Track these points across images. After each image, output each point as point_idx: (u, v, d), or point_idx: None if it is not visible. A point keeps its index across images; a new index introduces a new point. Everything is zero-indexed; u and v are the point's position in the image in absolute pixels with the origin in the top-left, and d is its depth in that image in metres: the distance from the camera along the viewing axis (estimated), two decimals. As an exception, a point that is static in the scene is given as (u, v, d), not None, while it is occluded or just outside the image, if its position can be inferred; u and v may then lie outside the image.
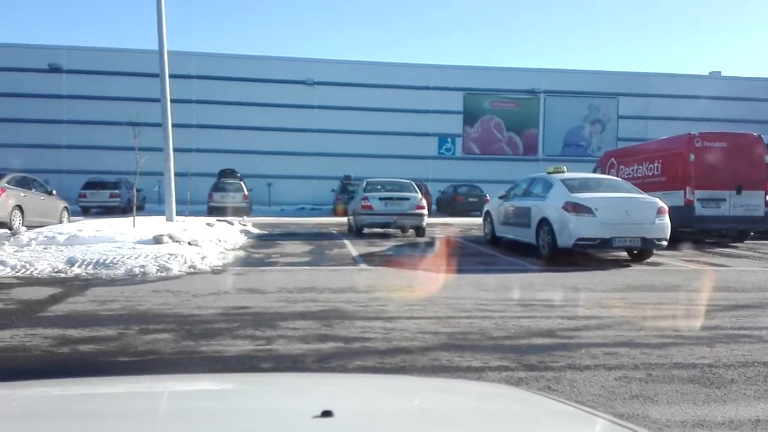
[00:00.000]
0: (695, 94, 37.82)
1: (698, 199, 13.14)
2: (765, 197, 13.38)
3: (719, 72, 40.91)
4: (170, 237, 10.33)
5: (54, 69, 33.93)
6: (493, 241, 12.96)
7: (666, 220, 9.98)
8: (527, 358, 4.23)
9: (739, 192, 13.18)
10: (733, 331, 5.17)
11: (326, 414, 1.12)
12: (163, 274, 8.09)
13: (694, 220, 13.20)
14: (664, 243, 10.00)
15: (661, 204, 10.07)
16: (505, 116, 38.36)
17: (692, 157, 13.26)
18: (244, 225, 16.55)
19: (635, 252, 10.42)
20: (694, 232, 14.17)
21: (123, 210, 23.94)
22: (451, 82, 37.35)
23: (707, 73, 41.02)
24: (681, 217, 12.58)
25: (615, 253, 11.03)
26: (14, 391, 1.50)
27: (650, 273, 9.10)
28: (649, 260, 10.34)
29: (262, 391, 1.62)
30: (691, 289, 7.65)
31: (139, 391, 1.61)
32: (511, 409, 1.49)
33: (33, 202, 14.91)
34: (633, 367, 4.04)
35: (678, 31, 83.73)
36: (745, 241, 14.26)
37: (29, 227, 12.51)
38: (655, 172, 14.60)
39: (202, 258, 9.27)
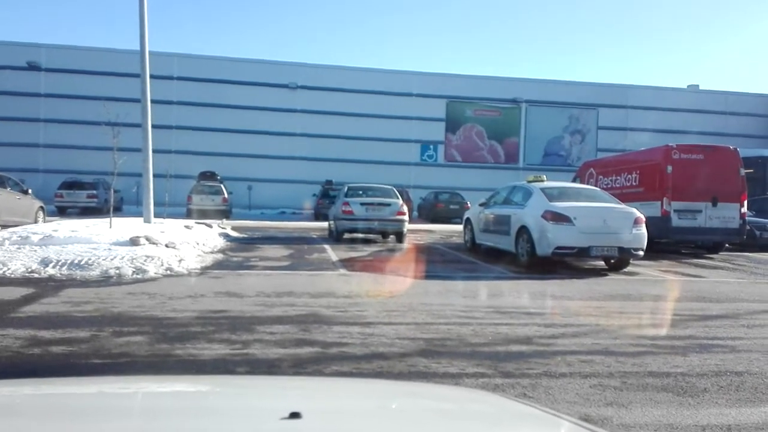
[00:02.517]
0: (674, 107, 38.46)
1: (675, 210, 13.32)
2: (740, 209, 13.61)
3: (697, 85, 41.64)
4: (147, 239, 10.20)
5: (33, 67, 33.46)
6: (473, 248, 13.01)
7: (643, 230, 10.10)
8: (504, 365, 4.24)
9: (714, 204, 13.39)
10: (706, 340, 5.23)
11: (294, 416, 1.12)
12: (139, 276, 7.99)
13: (670, 230, 13.38)
14: (641, 253, 10.12)
15: (639, 214, 10.19)
16: (487, 124, 38.62)
17: (669, 168, 13.44)
18: (224, 228, 16.41)
19: (612, 261, 10.53)
20: (670, 242, 14.37)
21: (100, 211, 23.63)
22: (434, 90, 37.53)
23: (686, 86, 41.72)
24: (658, 227, 12.75)
25: (592, 262, 11.14)
26: None
27: (627, 282, 9.19)
28: (626, 270, 10.45)
29: (232, 392, 1.61)
30: (666, 299, 7.75)
31: (110, 391, 1.59)
32: (482, 411, 1.49)
33: (7, 201, 14.65)
34: (608, 375, 4.07)
35: (658, 44, 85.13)
36: (721, 253, 14.48)
37: (3, 227, 12.29)
38: (633, 183, 14.79)
39: (180, 260, 9.17)
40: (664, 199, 13.34)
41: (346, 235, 14.89)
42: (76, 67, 33.60)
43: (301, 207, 30.89)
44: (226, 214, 24.29)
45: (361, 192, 15.29)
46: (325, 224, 18.51)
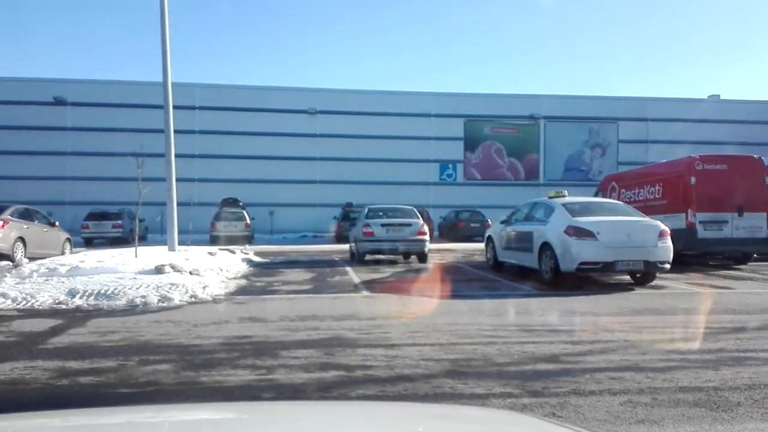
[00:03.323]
0: (695, 118, 38.06)
1: (700, 222, 13.13)
2: (767, 219, 13.36)
3: (718, 95, 41.21)
4: (172, 267, 10.32)
5: (59, 102, 34.37)
6: (496, 266, 12.92)
7: (668, 242, 9.95)
8: (531, 384, 4.19)
9: (740, 214, 13.16)
10: (738, 353, 5.11)
11: None
12: (164, 304, 8.07)
13: (696, 242, 13.18)
14: (667, 266, 9.96)
15: (663, 227, 10.05)
16: (505, 142, 38.61)
17: (693, 180, 13.28)
18: (246, 253, 16.55)
19: (638, 275, 10.36)
20: (697, 254, 14.13)
21: (126, 240, 23.95)
22: (452, 109, 37.68)
23: (706, 97, 41.31)
24: (683, 239, 12.56)
25: (618, 277, 10.99)
26: (14, 422, 1.49)
27: (654, 296, 9.04)
28: (652, 283, 10.28)
29: (258, 419, 1.61)
30: (695, 312, 7.60)
31: (138, 420, 1.61)
32: None
33: (35, 234, 14.95)
34: (638, 391, 3.99)
35: (677, 55, 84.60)
36: (749, 263, 14.20)
37: (31, 259, 12.52)
38: (657, 195, 14.62)
39: (204, 287, 9.25)
40: (689, 210, 13.16)
41: (368, 257, 14.90)
42: (101, 100, 34.44)
43: (323, 230, 30.99)
44: (248, 239, 24.49)
45: (381, 213, 15.31)
46: (346, 247, 18.54)
